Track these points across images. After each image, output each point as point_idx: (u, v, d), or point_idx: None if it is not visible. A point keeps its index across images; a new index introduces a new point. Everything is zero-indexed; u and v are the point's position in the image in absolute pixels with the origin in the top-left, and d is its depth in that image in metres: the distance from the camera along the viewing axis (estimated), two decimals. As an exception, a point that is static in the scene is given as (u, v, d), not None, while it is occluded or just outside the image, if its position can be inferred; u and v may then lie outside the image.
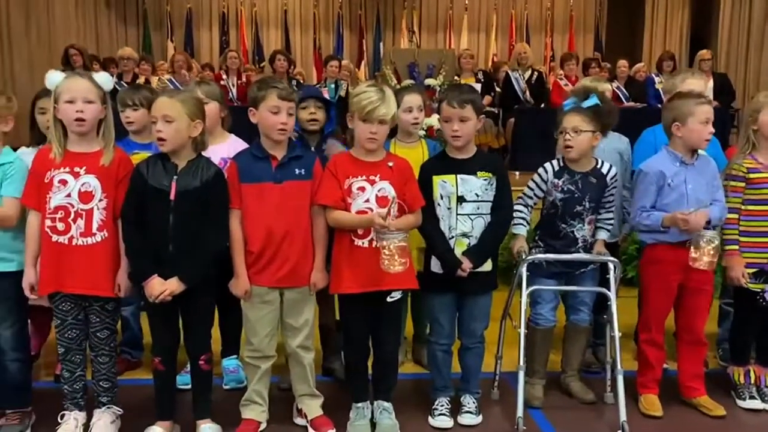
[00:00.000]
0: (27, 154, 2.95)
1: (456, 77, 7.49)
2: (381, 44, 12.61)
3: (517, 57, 8.19)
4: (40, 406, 2.99)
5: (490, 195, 2.94)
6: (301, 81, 8.67)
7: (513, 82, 7.92)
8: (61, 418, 2.85)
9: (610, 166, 3.16)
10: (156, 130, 2.67)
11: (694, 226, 2.95)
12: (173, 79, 7.66)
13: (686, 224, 2.96)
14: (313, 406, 2.97)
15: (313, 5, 12.73)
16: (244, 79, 8.31)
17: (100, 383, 2.87)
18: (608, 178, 3.14)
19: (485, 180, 2.93)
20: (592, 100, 3.10)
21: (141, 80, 7.70)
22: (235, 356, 3.45)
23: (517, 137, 7.51)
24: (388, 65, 7.50)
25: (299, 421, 3.01)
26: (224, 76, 8.17)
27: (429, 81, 6.79)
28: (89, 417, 2.88)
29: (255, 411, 2.93)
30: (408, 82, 6.70)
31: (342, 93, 7.94)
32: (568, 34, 12.97)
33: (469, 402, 3.09)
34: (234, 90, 8.09)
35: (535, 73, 8.08)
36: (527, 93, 7.90)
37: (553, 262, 3.13)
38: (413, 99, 3.36)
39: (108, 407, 2.88)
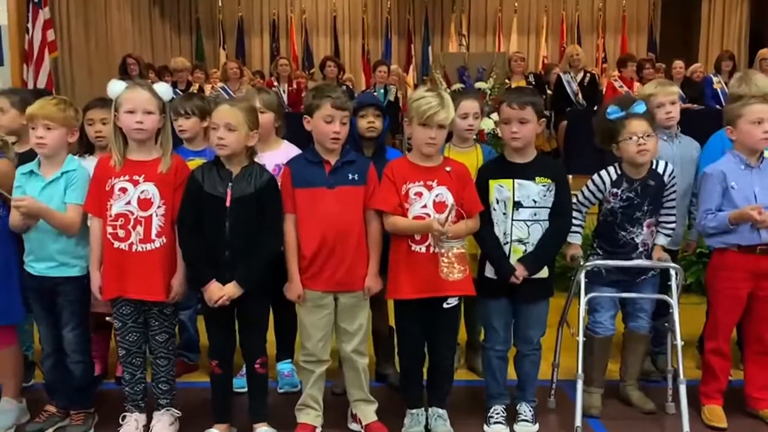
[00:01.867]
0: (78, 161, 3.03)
1: (506, 80, 7.42)
2: (429, 48, 12.58)
3: (569, 59, 8.06)
4: (102, 407, 3.07)
5: (548, 201, 2.89)
6: (351, 87, 8.72)
7: (565, 85, 7.80)
8: (122, 420, 2.91)
9: (666, 164, 3.08)
10: (218, 137, 2.71)
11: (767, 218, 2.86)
12: (226, 87, 7.79)
13: (761, 215, 2.85)
14: (367, 412, 2.97)
15: (362, 11, 12.80)
16: (294, 86, 8.39)
17: (159, 385, 2.93)
18: (666, 177, 3.06)
19: (544, 186, 2.88)
20: (642, 106, 3.03)
21: (194, 88, 7.85)
22: (290, 360, 3.48)
23: (570, 140, 7.40)
24: (437, 69, 7.48)
25: (354, 426, 3.01)
26: (275, 83, 8.27)
27: (479, 84, 6.74)
28: (149, 419, 2.94)
29: (310, 415, 2.94)
30: (458, 85, 6.67)
31: (391, 98, 7.96)
32: (621, 34, 12.71)
33: (525, 410, 3.05)
34: (285, 96, 8.18)
35: (588, 75, 7.95)
36: (579, 95, 7.77)
37: (613, 269, 3.06)
38: (470, 105, 3.32)
39: (167, 409, 2.93)
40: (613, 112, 3.04)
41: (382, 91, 7.92)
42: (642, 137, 2.94)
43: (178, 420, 2.96)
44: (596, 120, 3.14)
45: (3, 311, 2.90)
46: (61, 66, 8.60)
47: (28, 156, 2.97)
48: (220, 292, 2.71)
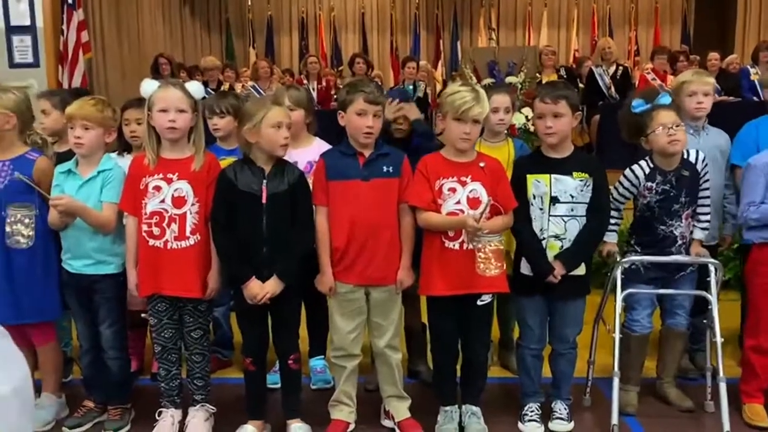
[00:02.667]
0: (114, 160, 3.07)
1: (537, 74, 7.34)
2: (458, 43, 12.53)
3: (601, 52, 7.93)
4: (138, 403, 3.11)
5: (585, 197, 2.84)
6: (379, 83, 8.71)
7: (597, 78, 7.68)
8: (158, 415, 2.94)
9: (697, 152, 3.02)
10: (284, 137, 2.74)
11: None
12: (256, 86, 7.83)
13: None
14: (400, 408, 2.96)
15: (390, 7, 12.79)
16: (323, 84, 8.40)
17: (194, 381, 2.95)
18: (699, 165, 3.00)
19: (581, 181, 2.83)
20: (668, 97, 2.98)
21: (225, 87, 7.91)
22: (322, 356, 3.49)
23: (603, 135, 7.28)
24: (467, 64, 7.42)
25: (387, 422, 3.00)
26: (305, 81, 8.29)
27: (510, 79, 6.68)
28: (184, 414, 2.96)
29: (343, 412, 2.95)
30: (488, 80, 6.62)
31: (420, 94, 7.93)
32: (654, 27, 12.50)
33: (560, 408, 3.01)
34: (314, 94, 8.19)
35: (620, 68, 7.82)
36: (612, 89, 7.65)
37: (651, 266, 3.00)
38: (500, 99, 3.29)
39: (202, 405, 2.95)
40: (638, 105, 2.98)
41: (411, 87, 7.89)
42: (672, 128, 2.89)
43: (213, 415, 2.99)
44: (621, 114, 3.09)
45: (42, 308, 2.95)
46: (95, 67, 8.73)
47: (68, 155, 3.02)
48: (262, 289, 2.72)
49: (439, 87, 9.75)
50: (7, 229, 2.69)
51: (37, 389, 3.11)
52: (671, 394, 3.19)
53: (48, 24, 6.29)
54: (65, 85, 6.60)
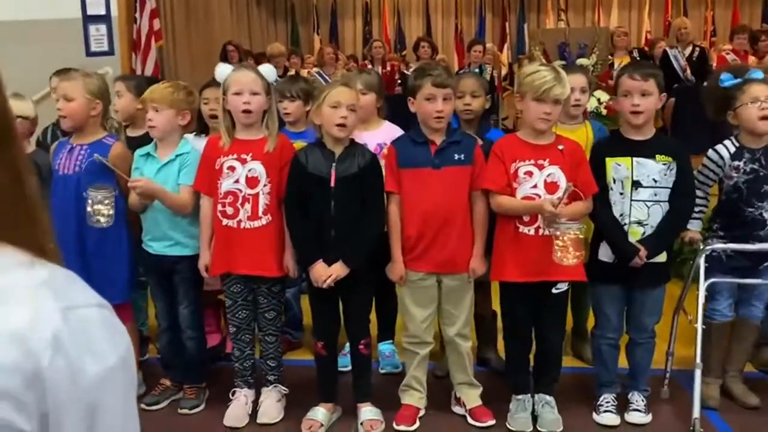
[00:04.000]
0: (192, 141, 3.11)
1: (609, 56, 7.12)
2: (525, 26, 12.25)
3: (676, 32, 7.63)
4: (213, 383, 3.16)
5: (669, 181, 2.73)
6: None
7: (672, 60, 7.39)
8: (232, 395, 2.99)
9: None
10: (341, 116, 2.71)
11: None
12: (321, 72, 7.85)
13: None
14: (471, 396, 2.93)
15: (455, -11, 12.59)
16: (388, 68, 8.36)
17: (268, 362, 2.99)
18: None
19: (664, 164, 2.72)
20: (759, 72, 2.83)
21: (291, 73, 7.97)
22: (391, 341, 3.48)
23: (678, 119, 7.02)
24: (536, 46, 7.26)
25: (457, 409, 2.97)
26: (369, 66, 8.26)
27: (581, 61, 6.49)
28: (257, 395, 3.00)
29: (414, 397, 2.93)
30: (559, 62, 6.44)
31: (486, 77, 7.80)
32: (732, 5, 11.92)
33: (637, 399, 2.92)
34: (379, 79, 8.15)
35: (697, 49, 7.50)
36: (688, 71, 7.35)
37: (735, 255, 2.86)
38: (576, 79, 3.16)
39: (275, 386, 2.99)
40: (726, 79, 2.84)
41: (477, 70, 7.77)
42: (765, 101, 2.74)
43: (285, 397, 3.02)
44: (707, 90, 2.97)
45: (112, 289, 2.90)
46: (166, 54, 8.92)
47: (142, 140, 3.08)
48: (327, 272, 2.72)
49: (504, 70, 9.58)
50: (89, 209, 2.77)
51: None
52: (736, 390, 3.04)
53: (122, 12, 6.45)
54: (138, 73, 6.77)
